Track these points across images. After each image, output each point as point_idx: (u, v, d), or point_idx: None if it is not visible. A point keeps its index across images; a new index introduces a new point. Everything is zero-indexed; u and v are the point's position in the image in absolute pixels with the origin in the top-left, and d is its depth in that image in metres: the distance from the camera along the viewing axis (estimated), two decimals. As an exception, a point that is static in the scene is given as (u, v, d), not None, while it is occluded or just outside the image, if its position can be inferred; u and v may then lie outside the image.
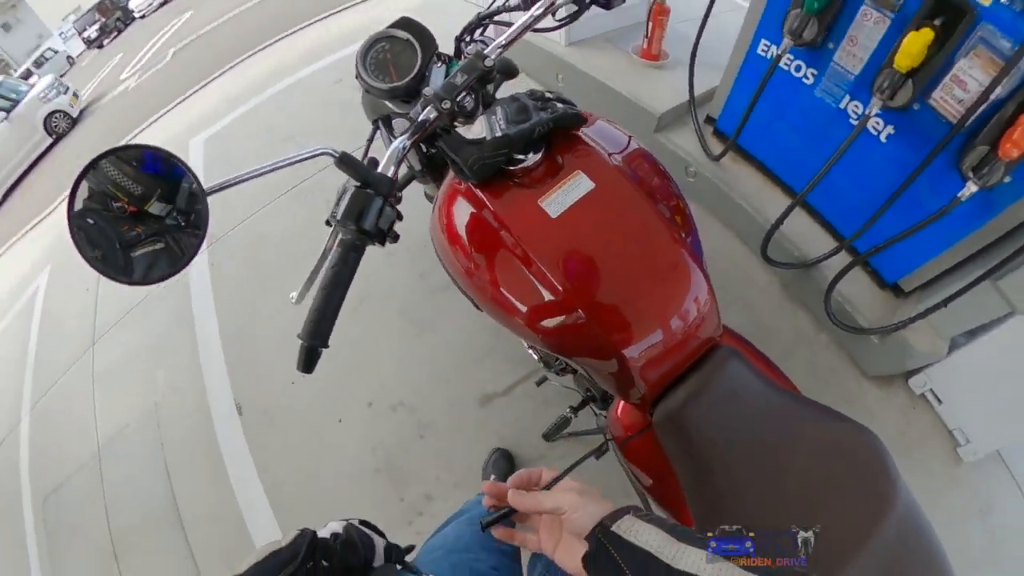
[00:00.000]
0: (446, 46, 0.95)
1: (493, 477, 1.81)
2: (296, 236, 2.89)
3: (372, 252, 0.69)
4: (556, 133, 0.84)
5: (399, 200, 0.69)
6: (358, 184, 0.65)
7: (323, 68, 4.47)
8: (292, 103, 4.17)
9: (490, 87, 0.82)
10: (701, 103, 2.37)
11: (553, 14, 0.86)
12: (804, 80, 1.78)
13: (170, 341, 2.80)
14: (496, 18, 0.96)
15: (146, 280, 0.59)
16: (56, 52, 18.36)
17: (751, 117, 1.99)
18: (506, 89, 0.93)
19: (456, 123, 0.80)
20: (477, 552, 0.80)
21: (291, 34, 5.82)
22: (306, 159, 0.68)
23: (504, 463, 1.87)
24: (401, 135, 0.74)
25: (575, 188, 0.79)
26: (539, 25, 0.86)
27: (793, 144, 1.97)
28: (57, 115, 9.11)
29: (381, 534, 0.67)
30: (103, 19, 18.06)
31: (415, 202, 1.02)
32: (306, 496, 1.98)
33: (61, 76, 10.78)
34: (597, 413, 1.38)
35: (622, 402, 0.98)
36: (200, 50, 8.18)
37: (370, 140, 0.93)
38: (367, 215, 0.64)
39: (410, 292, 2.43)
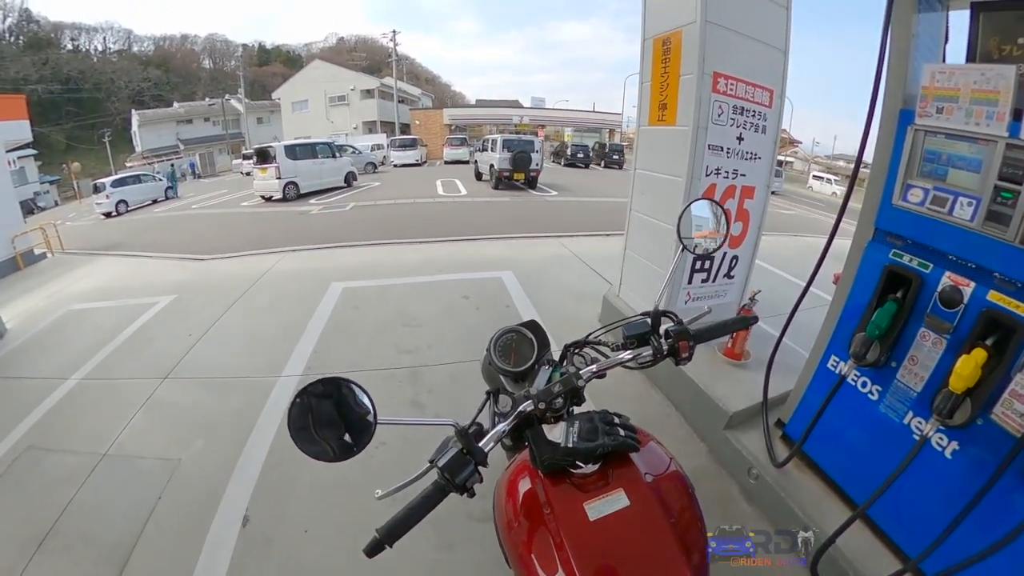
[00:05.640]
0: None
1: None
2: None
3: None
4: (612, 453, 1.04)
5: (486, 466, 0.92)
6: (462, 448, 0.89)
7: (457, 281, 5.43)
8: (423, 296, 5.00)
9: (583, 391, 1.10)
10: (773, 406, 2.46)
11: (636, 358, 1.18)
12: (870, 396, 1.85)
13: (227, 424, 2.97)
14: (598, 345, 1.26)
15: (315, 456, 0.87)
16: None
17: (818, 426, 2.02)
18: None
19: (547, 416, 1.04)
20: None
21: (445, 241, 7.21)
22: (438, 424, 0.98)
23: None
24: (504, 421, 0.99)
25: (614, 502, 0.96)
26: (627, 364, 1.18)
27: (858, 457, 1.94)
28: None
29: None
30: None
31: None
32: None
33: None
34: None
35: None
36: (373, 215, 10.37)
37: (480, 409, 1.18)
38: (460, 473, 0.87)
39: (450, 512, 2.37)
